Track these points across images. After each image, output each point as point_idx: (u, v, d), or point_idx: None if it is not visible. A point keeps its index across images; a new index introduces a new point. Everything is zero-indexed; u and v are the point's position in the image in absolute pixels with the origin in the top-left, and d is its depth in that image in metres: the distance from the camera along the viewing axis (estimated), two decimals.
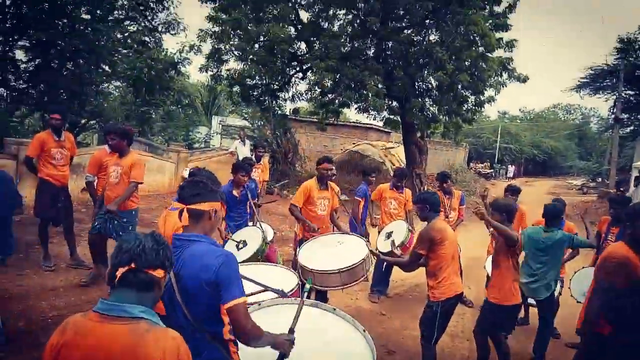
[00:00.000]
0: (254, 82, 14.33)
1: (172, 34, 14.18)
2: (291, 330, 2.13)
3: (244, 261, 4.11)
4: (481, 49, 12.76)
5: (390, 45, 13.17)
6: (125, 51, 13.27)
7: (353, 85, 12.71)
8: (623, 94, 28.49)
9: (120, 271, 1.53)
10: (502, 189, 6.24)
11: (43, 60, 10.91)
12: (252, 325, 1.90)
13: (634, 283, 2.59)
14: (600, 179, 27.57)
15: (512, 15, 13.69)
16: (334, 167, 6.10)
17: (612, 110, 31.32)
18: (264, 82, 14.31)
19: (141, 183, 4.92)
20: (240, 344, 2.10)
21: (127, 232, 4.71)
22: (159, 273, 1.56)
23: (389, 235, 5.08)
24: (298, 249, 4.35)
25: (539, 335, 4.34)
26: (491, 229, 4.36)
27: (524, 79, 14.03)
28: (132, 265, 1.53)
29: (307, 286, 2.77)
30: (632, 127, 32.65)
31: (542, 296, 4.25)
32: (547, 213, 4.30)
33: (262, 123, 16.32)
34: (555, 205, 4.43)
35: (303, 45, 14.25)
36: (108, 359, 1.41)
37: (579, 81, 33.79)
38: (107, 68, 12.52)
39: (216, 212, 2.08)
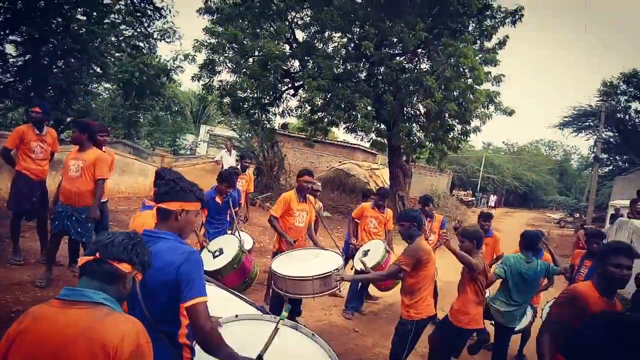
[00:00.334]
0: (245, 94, 14.38)
1: (167, 42, 14.27)
2: (259, 357, 2.04)
3: (220, 269, 4.08)
4: (470, 80, 13.05)
5: (382, 70, 13.42)
6: (118, 54, 13.25)
7: (343, 106, 12.85)
8: (603, 135, 29.41)
9: (83, 259, 1.55)
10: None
11: (33, 56, 10.84)
12: (210, 328, 1.84)
13: (582, 317, 2.51)
14: (577, 215, 28.16)
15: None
16: (317, 182, 6.14)
17: (592, 150, 32.35)
18: (255, 95, 14.37)
19: (107, 179, 4.90)
20: (197, 353, 2.06)
21: (86, 227, 4.72)
22: (124, 267, 1.56)
23: (365, 253, 5.09)
24: (275, 258, 4.35)
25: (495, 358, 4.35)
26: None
27: (510, 112, 14.35)
28: (97, 255, 1.54)
29: (284, 313, 2.62)
30: (610, 167, 33.82)
31: (517, 324, 4.28)
32: (526, 239, 4.31)
33: (250, 135, 16.36)
34: (534, 232, 4.48)
35: (296, 63, 14.41)
36: (65, 341, 1.38)
37: (563, 119, 35.02)
38: (98, 69, 12.48)
39: (187, 212, 2.06)
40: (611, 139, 33.13)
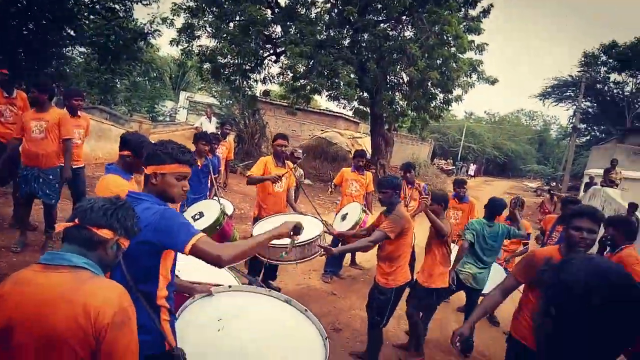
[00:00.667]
0: (226, 60, 14.07)
1: (143, 4, 13.66)
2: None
3: (201, 231, 4.06)
4: (453, 49, 12.99)
5: (365, 37, 13.21)
6: (92, 17, 12.71)
7: (326, 73, 12.68)
8: (582, 105, 29.82)
9: (62, 226, 1.52)
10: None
11: (1, 17, 10.32)
12: (219, 255, 1.86)
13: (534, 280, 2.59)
14: (554, 183, 28.77)
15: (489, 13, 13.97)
16: (298, 150, 6.11)
17: (571, 120, 32.84)
18: (236, 61, 14.06)
19: (73, 138, 4.84)
20: (180, 320, 2.10)
21: (54, 189, 4.69)
22: (105, 233, 1.53)
23: (344, 217, 5.11)
24: (255, 224, 4.35)
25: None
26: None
27: (492, 81, 14.37)
28: (76, 221, 1.52)
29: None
30: (588, 137, 34.46)
31: (484, 285, 4.48)
32: (492, 206, 4.56)
33: (230, 102, 16.11)
34: (501, 200, 4.69)
35: (278, 29, 14.08)
36: (46, 305, 1.37)
37: (544, 89, 35.33)
38: (71, 32, 11.98)
39: (163, 175, 2.04)
40: (590, 109, 33.68)
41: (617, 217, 3.85)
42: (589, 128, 35.08)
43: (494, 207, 4.54)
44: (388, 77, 13.84)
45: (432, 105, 14.19)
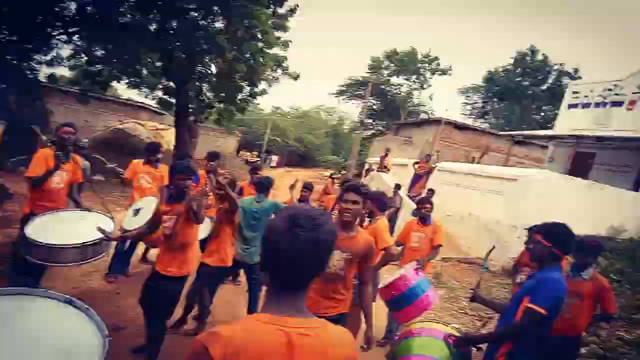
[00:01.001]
0: (1, 36, 11.90)
1: None
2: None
3: None
4: (261, 44, 13.54)
5: (174, 24, 12.78)
6: None
7: (127, 58, 11.87)
8: (369, 103, 35.24)
9: None
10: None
11: None
12: None
13: None
14: (345, 172, 32.85)
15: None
16: (83, 139, 5.58)
17: (359, 116, 38.30)
18: (14, 38, 12.01)
19: None
20: None
21: None
22: None
23: (136, 212, 4.88)
24: (27, 224, 3.71)
25: (251, 296, 4.80)
26: None
27: (295, 77, 15.63)
28: None
29: None
30: (372, 130, 40.81)
31: (256, 260, 4.68)
32: (259, 184, 4.95)
33: (4, 86, 13.68)
34: (268, 178, 5.12)
35: (73, 5, 12.48)
36: None
37: (339, 88, 40.55)
38: None
39: None
40: (375, 107, 39.73)
41: (373, 192, 4.39)
42: (374, 123, 41.21)
43: (260, 185, 4.91)
44: (196, 67, 13.71)
45: (238, 97, 14.60)
